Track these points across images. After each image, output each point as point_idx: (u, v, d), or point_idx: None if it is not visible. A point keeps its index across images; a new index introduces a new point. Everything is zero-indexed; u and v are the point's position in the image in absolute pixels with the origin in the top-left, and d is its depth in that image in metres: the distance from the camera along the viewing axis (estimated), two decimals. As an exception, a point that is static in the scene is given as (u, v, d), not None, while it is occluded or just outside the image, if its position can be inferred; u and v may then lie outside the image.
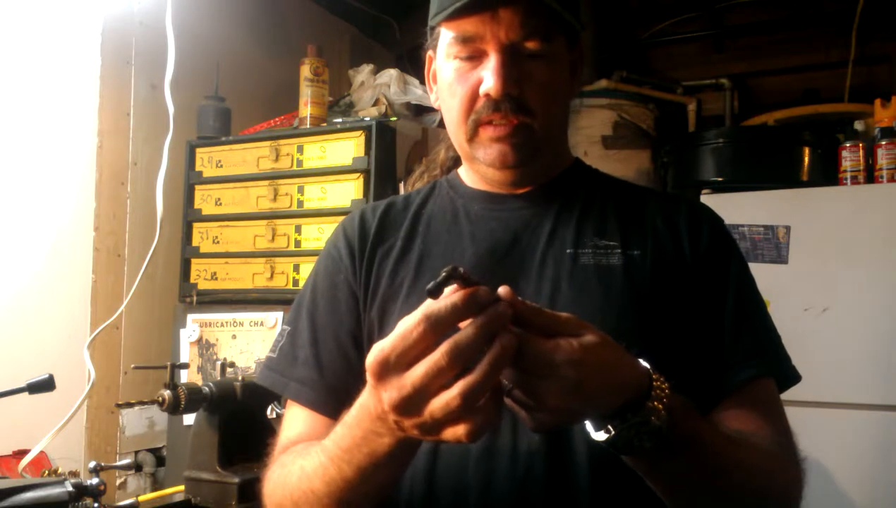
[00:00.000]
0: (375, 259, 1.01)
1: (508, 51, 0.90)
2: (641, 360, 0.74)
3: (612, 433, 0.71)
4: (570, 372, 0.66)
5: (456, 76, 0.94)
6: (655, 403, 0.71)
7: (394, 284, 0.98)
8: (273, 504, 0.89)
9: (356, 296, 1.00)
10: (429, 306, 0.63)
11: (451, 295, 0.64)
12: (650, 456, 0.73)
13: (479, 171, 1.01)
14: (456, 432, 0.64)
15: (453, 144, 1.04)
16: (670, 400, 0.72)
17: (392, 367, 0.64)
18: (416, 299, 0.94)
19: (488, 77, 0.90)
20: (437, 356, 0.62)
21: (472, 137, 0.95)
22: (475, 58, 0.92)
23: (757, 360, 0.93)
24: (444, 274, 0.64)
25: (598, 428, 0.72)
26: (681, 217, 0.99)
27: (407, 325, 0.63)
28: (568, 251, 0.95)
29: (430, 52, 1.04)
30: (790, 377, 0.97)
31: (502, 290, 0.66)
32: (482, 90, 0.91)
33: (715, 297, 0.95)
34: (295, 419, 0.98)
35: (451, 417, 0.63)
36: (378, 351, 0.64)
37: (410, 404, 0.64)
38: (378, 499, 0.80)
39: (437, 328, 0.63)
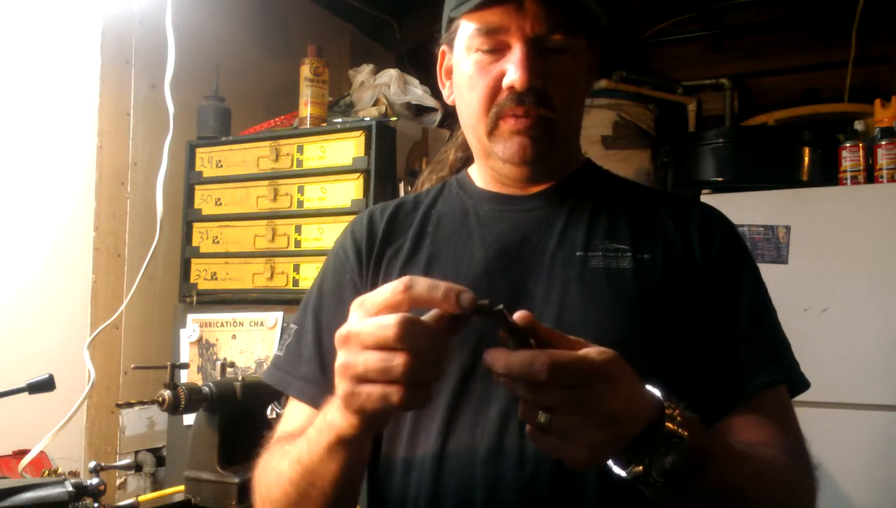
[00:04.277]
0: (383, 260, 1.00)
1: (533, 43, 0.90)
2: (649, 386, 0.73)
3: (647, 460, 0.69)
4: (608, 374, 0.65)
5: (477, 69, 0.93)
6: (671, 424, 0.70)
7: None
8: (258, 487, 0.91)
9: None
10: (412, 318, 0.64)
11: (433, 316, 0.65)
12: (677, 477, 0.71)
13: (493, 168, 1.00)
14: (390, 396, 0.64)
15: (468, 141, 1.03)
16: (683, 419, 0.71)
17: (351, 340, 0.66)
18: None
19: (512, 69, 0.89)
20: (387, 325, 0.63)
21: (492, 131, 0.94)
22: (497, 51, 0.92)
23: (770, 367, 0.92)
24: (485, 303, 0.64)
25: (627, 464, 0.70)
26: (692, 221, 0.98)
27: (386, 321, 0.64)
28: (578, 254, 0.94)
29: (443, 47, 1.02)
30: (800, 384, 0.96)
31: (521, 314, 0.66)
32: (505, 83, 0.91)
33: (728, 303, 0.94)
34: (294, 414, 0.98)
35: (387, 377, 0.64)
36: (346, 328, 0.67)
37: (352, 360, 0.65)
38: (332, 499, 0.82)
39: (411, 339, 0.63)
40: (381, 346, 0.64)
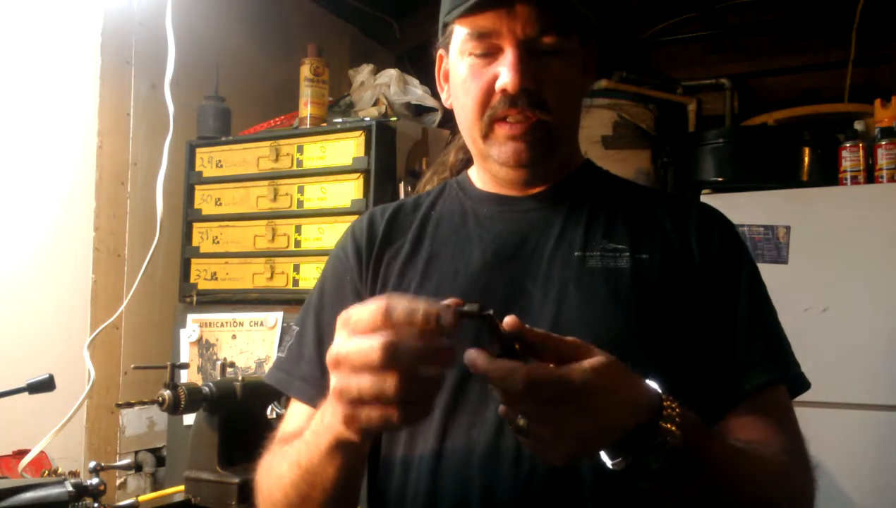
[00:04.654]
0: (383, 261, 1.01)
1: (524, 46, 0.90)
2: (650, 381, 0.73)
3: (630, 459, 0.70)
4: (585, 393, 0.65)
5: (471, 72, 0.94)
6: (669, 424, 0.70)
7: (401, 286, 0.98)
8: (259, 489, 0.92)
9: (361, 298, 0.99)
10: (392, 338, 0.63)
11: (415, 333, 0.63)
12: (665, 478, 0.72)
13: (490, 171, 1.00)
14: (386, 416, 0.64)
15: (466, 144, 1.03)
16: (682, 419, 0.71)
17: (342, 363, 0.66)
18: None
19: (504, 72, 0.90)
20: (373, 343, 0.63)
21: (487, 134, 0.95)
22: (490, 54, 0.92)
23: (769, 366, 0.92)
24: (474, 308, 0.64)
25: (614, 457, 0.71)
26: (690, 220, 0.98)
27: (368, 344, 0.63)
28: (576, 254, 0.95)
29: (440, 51, 1.03)
30: (801, 384, 0.96)
31: (508, 320, 0.66)
32: (498, 85, 0.91)
33: (726, 302, 0.94)
34: (296, 415, 0.99)
35: (381, 399, 0.63)
36: (335, 351, 0.66)
37: (345, 382, 0.65)
38: (332, 498, 0.82)
39: (397, 361, 0.63)
40: (370, 369, 0.63)
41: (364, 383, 0.63)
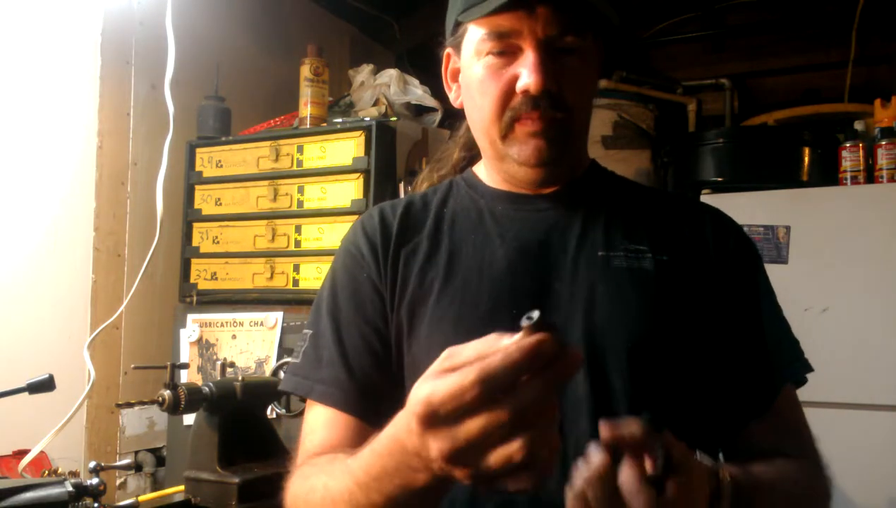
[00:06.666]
0: (400, 258, 0.99)
1: (545, 46, 0.89)
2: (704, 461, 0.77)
3: None
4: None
5: (489, 73, 0.92)
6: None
7: (423, 285, 0.96)
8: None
9: (381, 295, 0.98)
10: (485, 367, 0.55)
11: (511, 349, 0.55)
12: None
13: (507, 171, 0.99)
14: (516, 483, 0.57)
15: (479, 144, 1.02)
16: (734, 484, 0.76)
17: (442, 419, 0.57)
18: (447, 301, 0.93)
19: (526, 74, 0.89)
20: (499, 414, 0.55)
21: (507, 134, 0.94)
22: (508, 53, 0.91)
23: (797, 363, 0.97)
24: (529, 320, 0.56)
25: None
26: (706, 225, 0.99)
27: (460, 383, 0.55)
28: (600, 254, 0.94)
29: (448, 50, 1.02)
30: (806, 373, 1.00)
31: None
32: (519, 87, 0.90)
33: (750, 305, 0.96)
34: (319, 423, 0.94)
35: (510, 469, 0.56)
36: (426, 399, 0.57)
37: (463, 456, 0.57)
38: None
39: (494, 391, 0.55)
40: (500, 437, 0.58)
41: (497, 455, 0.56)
